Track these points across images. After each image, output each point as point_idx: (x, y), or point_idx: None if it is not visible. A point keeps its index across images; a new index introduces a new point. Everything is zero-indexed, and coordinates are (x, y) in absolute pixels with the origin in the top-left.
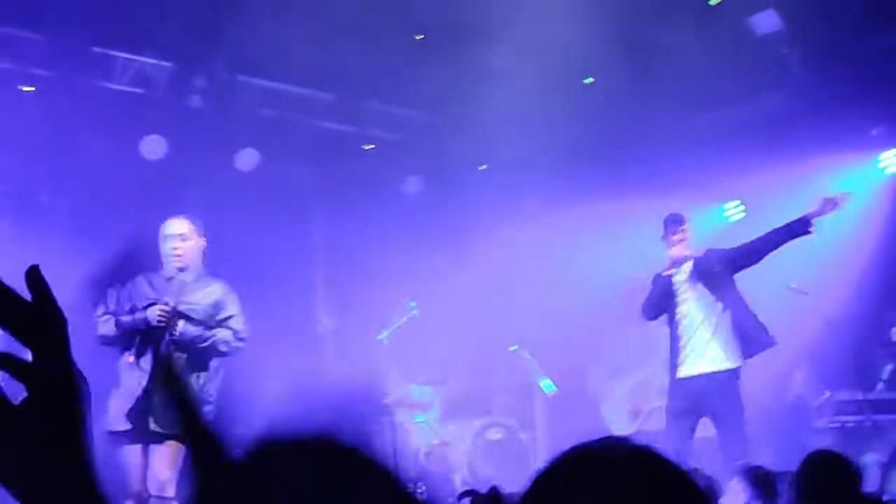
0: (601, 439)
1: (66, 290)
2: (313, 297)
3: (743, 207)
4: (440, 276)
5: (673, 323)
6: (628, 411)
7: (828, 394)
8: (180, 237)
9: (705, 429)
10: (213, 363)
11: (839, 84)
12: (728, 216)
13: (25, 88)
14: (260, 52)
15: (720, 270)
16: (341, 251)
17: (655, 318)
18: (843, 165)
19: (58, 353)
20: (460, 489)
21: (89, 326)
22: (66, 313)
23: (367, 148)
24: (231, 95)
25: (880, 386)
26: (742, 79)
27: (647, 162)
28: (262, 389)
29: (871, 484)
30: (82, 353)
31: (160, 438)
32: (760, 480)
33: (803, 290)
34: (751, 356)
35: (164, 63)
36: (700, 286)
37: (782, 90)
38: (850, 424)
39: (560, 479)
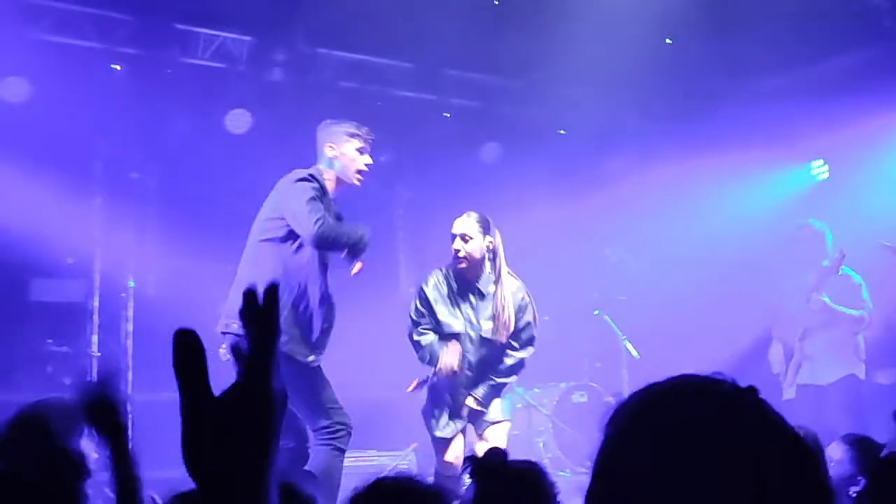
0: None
1: (162, 264)
2: (396, 265)
3: (826, 167)
4: (521, 242)
5: None
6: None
7: None
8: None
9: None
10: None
11: None
12: (815, 175)
13: (113, 66)
14: (338, 23)
15: None
16: (422, 219)
17: None
18: None
19: (267, 364)
20: (544, 452)
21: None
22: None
23: (445, 115)
24: (311, 68)
25: None
26: (831, 32)
27: (732, 122)
28: (346, 358)
29: None
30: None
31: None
32: (865, 451)
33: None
34: None
35: (245, 37)
36: None
37: (873, 43)
38: None
39: (629, 414)
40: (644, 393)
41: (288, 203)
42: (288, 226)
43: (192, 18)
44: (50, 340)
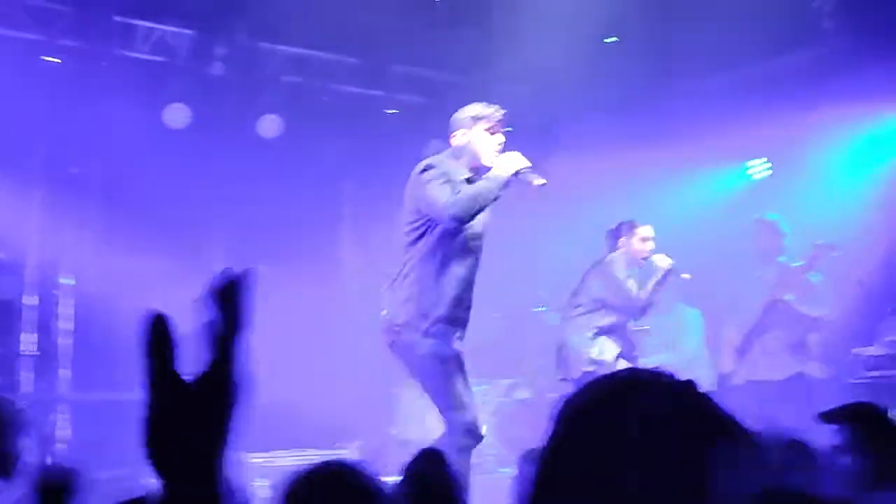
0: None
1: (104, 257)
2: (340, 261)
3: (769, 165)
4: None
5: None
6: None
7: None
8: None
9: None
10: None
11: (871, 36)
12: (751, 174)
13: (49, 59)
14: (281, 17)
15: None
16: (367, 216)
17: None
18: (874, 120)
19: (229, 348)
20: (488, 448)
21: None
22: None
23: (390, 112)
24: (253, 62)
25: None
26: (771, 33)
27: (674, 120)
28: (288, 352)
29: None
30: None
31: None
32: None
33: (831, 247)
34: None
35: (185, 31)
36: None
37: (813, 45)
38: (881, 380)
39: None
40: (590, 387)
41: (415, 198)
42: (416, 219)
43: (131, 10)
44: None
